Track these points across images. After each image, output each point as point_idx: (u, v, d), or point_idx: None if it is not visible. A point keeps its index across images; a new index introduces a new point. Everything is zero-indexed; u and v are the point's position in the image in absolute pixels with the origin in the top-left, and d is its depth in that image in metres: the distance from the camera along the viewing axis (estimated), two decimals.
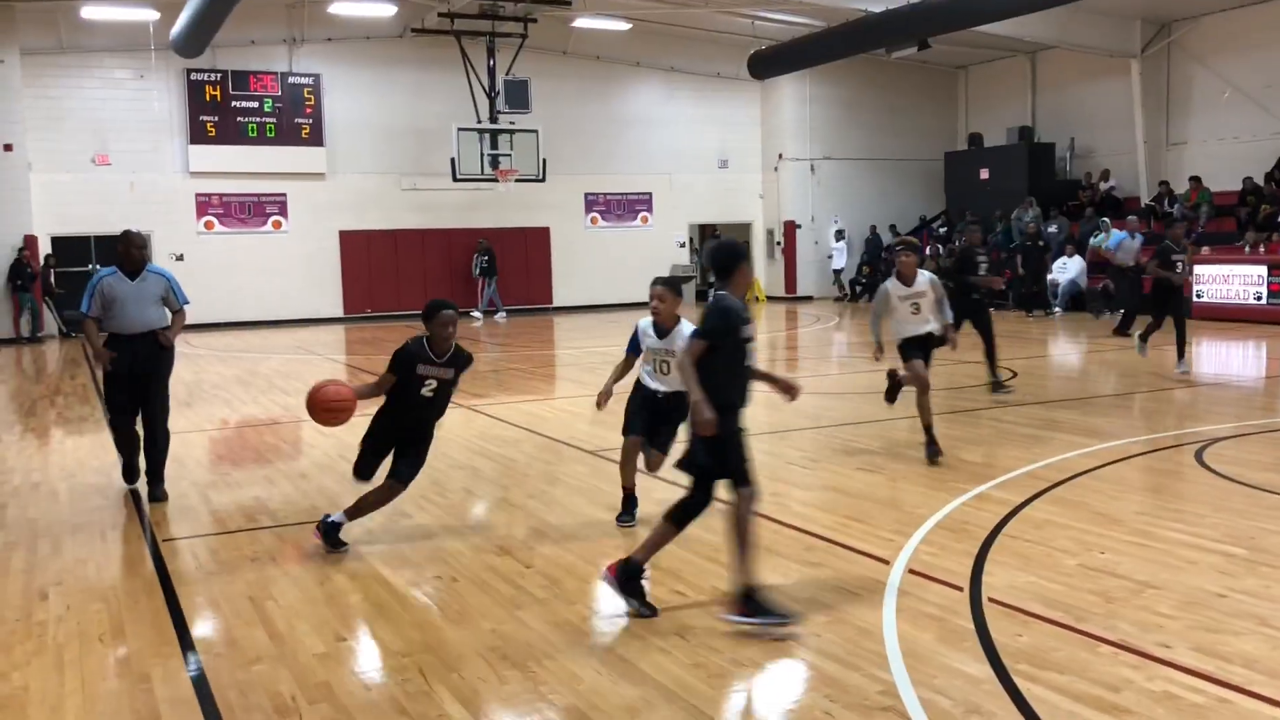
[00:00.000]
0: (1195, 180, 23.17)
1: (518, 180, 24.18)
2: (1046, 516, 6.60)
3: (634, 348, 6.60)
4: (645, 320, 6.51)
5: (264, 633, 4.94)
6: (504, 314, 25.75)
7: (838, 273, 29.15)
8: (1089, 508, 6.78)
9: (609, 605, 5.19)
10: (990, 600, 5.10)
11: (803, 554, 6.00)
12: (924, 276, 8.58)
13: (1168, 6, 23.63)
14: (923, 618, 4.90)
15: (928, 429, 8.32)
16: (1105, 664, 4.30)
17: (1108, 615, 4.85)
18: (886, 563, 5.72)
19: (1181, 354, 12.74)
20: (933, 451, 8.23)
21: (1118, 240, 21.39)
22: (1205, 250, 20.87)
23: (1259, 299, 19.07)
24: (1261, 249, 20.17)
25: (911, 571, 5.57)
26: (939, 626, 4.79)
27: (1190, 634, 4.58)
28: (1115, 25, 24.18)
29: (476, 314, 25.40)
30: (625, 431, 6.56)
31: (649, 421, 6.49)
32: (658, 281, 6.45)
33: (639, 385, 6.62)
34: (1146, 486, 7.52)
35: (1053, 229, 24.00)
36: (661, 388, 6.45)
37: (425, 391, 6.17)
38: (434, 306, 6.13)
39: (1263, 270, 19.10)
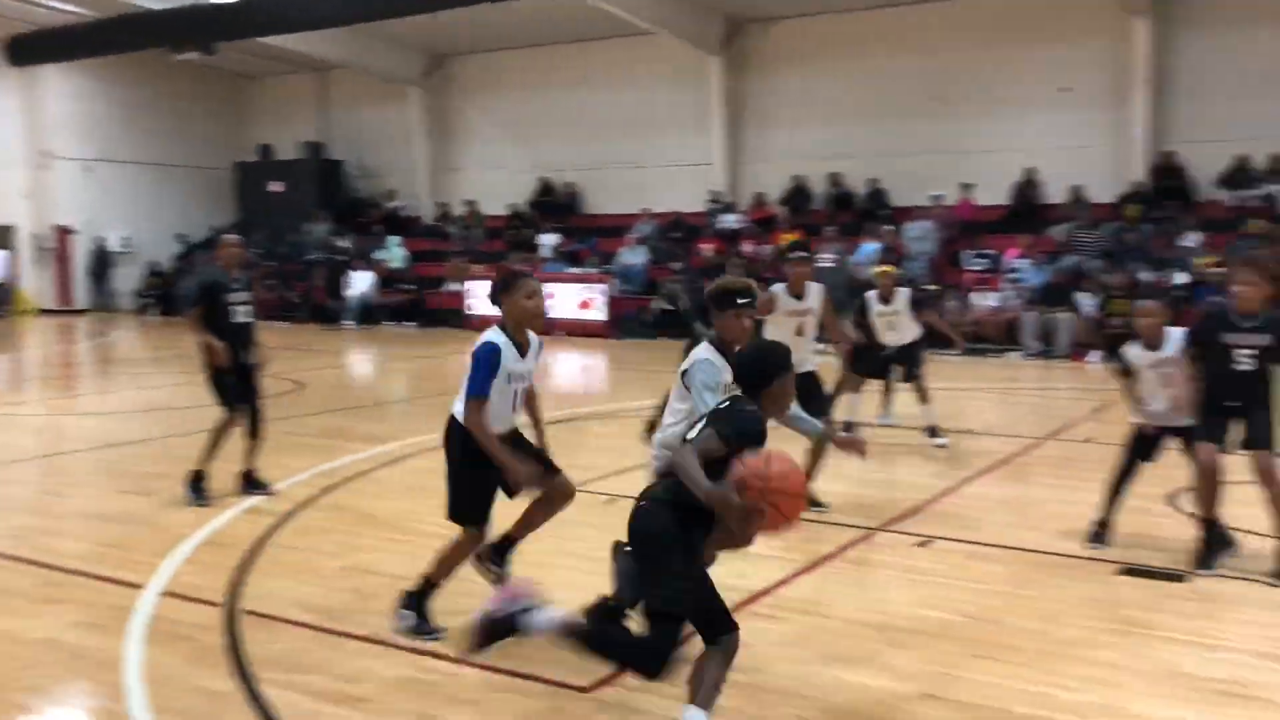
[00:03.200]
0: (470, 204, 25.38)
1: None
2: (315, 522, 6.73)
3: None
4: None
5: None
6: None
7: None
8: (356, 510, 7.05)
9: None
10: (248, 612, 5.05)
11: (42, 590, 5.43)
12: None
13: (441, 43, 25.54)
14: (174, 639, 4.72)
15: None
16: (350, 658, 4.48)
17: (361, 611, 5.06)
18: (140, 588, 5.38)
19: None
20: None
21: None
22: (476, 268, 22.97)
23: None
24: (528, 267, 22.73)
25: (169, 594, 5.31)
26: (189, 646, 4.64)
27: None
28: (398, 53, 25.59)
29: None
30: None
31: None
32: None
33: None
34: (410, 485, 7.98)
35: (345, 244, 24.67)
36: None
37: None
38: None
39: None
